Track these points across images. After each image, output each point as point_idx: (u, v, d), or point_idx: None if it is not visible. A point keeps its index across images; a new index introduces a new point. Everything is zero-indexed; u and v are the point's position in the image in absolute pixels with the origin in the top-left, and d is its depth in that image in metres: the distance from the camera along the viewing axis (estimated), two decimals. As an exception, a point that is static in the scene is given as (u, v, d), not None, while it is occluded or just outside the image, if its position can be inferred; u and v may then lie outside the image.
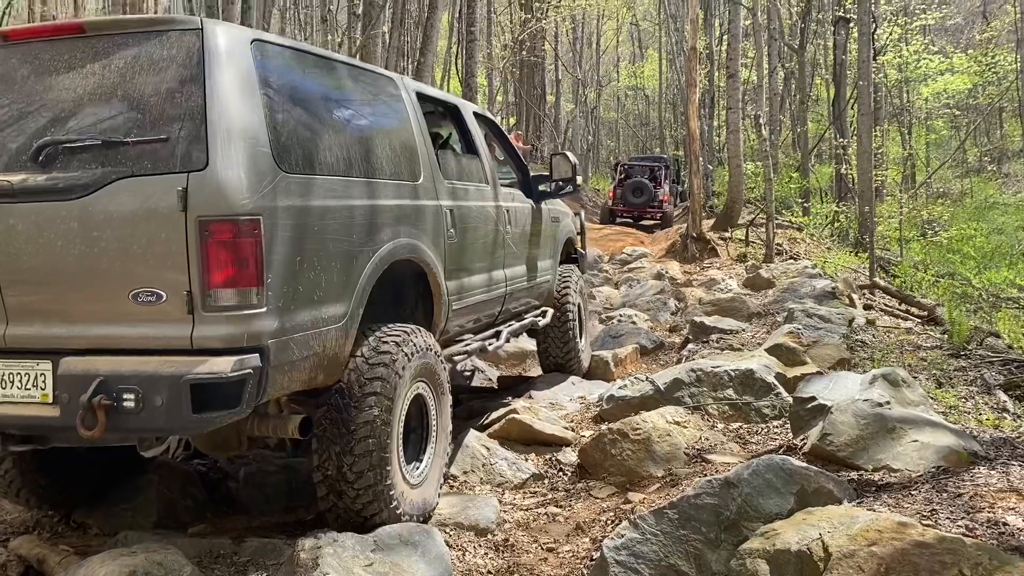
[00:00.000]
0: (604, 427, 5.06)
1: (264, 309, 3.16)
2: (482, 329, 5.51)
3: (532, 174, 6.65)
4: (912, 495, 3.25)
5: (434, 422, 4.22)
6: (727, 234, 17.92)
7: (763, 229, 16.21)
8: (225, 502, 4.70)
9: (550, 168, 6.60)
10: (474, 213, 5.18)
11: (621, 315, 9.90)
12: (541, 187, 6.61)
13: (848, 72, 25.52)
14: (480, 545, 3.86)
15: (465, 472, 4.90)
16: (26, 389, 3.25)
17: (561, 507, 4.39)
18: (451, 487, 4.79)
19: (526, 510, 4.38)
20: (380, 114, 4.49)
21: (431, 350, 4.11)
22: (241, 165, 3.17)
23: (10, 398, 3.24)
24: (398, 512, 3.73)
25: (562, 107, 40.11)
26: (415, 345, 3.93)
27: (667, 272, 13.86)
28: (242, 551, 3.60)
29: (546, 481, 4.87)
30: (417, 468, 4.05)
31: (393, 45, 18.89)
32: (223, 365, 3.01)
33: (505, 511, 4.32)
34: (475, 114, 5.98)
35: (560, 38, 39.20)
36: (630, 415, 5.10)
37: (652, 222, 24.31)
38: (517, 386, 6.96)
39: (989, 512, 2.96)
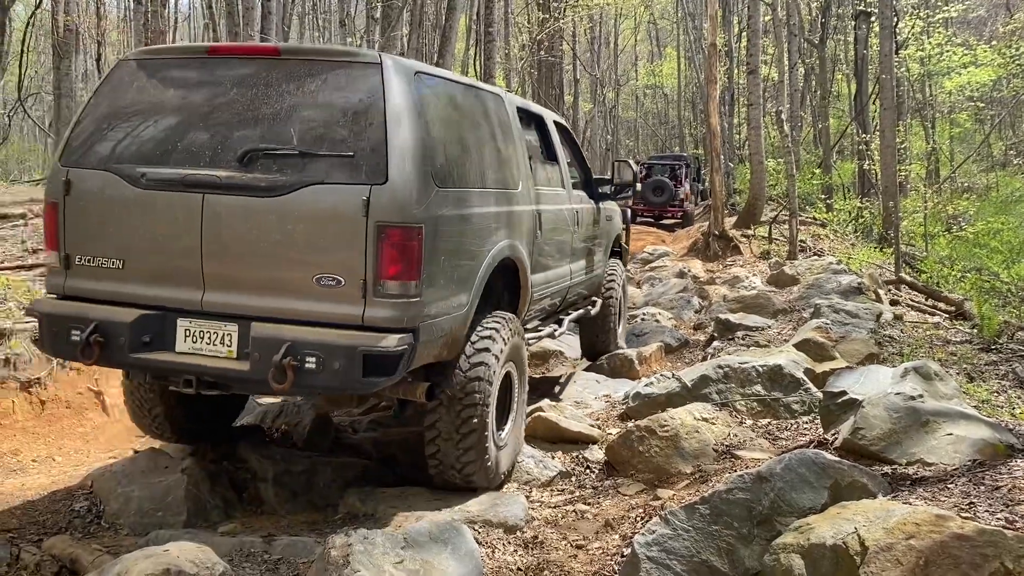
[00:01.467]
0: (631, 424, 5.04)
1: (419, 298, 3.87)
2: (547, 317, 6.19)
3: (594, 176, 7.29)
4: (948, 488, 3.20)
5: (516, 395, 4.89)
6: (749, 231, 17.78)
7: (786, 226, 16.08)
8: (254, 502, 4.72)
9: (612, 172, 7.32)
10: (555, 215, 5.85)
11: (644, 314, 9.84)
12: (601, 189, 7.30)
13: (869, 67, 25.28)
14: (509, 542, 3.85)
15: (492, 470, 4.89)
16: (215, 345, 3.99)
17: (589, 504, 4.36)
18: (478, 485, 4.79)
19: (554, 507, 4.36)
20: (492, 130, 5.05)
21: (519, 335, 4.79)
22: (412, 182, 3.85)
23: (201, 351, 4.00)
24: (489, 469, 4.41)
25: (580, 107, 40.03)
26: (510, 331, 4.59)
27: (689, 270, 13.78)
28: (272, 549, 3.61)
29: (573, 479, 4.84)
30: (502, 433, 4.67)
31: (412, 47, 18.93)
32: (390, 341, 3.73)
33: (533, 508, 4.31)
34: (554, 122, 6.61)
35: (578, 38, 39.11)
36: (657, 412, 5.07)
37: (673, 221, 24.21)
38: (541, 385, 6.95)
39: (1029, 505, 2.91)
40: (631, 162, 7.40)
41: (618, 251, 8.16)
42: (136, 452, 5.69)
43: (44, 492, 4.89)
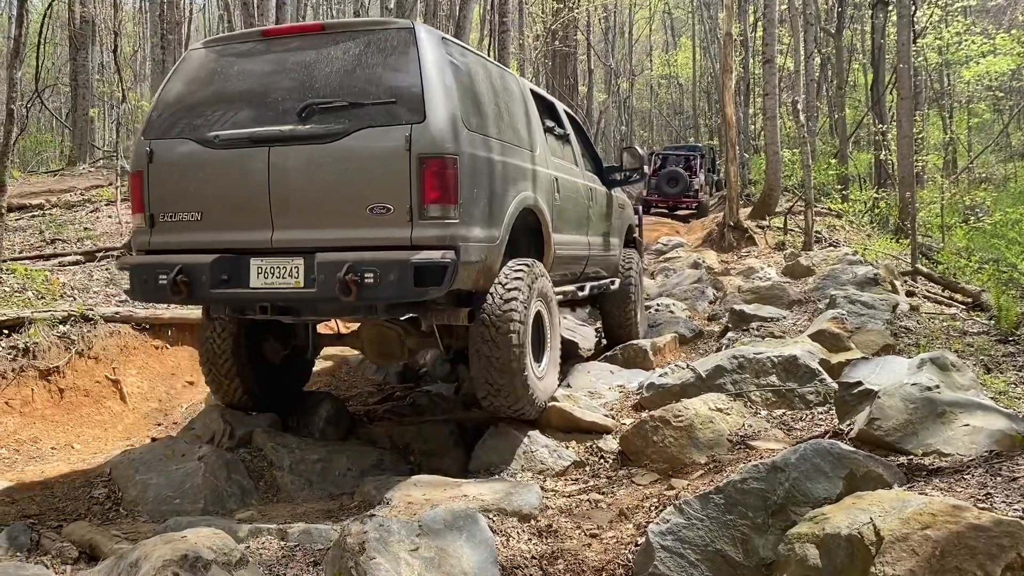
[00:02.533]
0: (645, 415, 5.03)
1: (457, 221, 4.46)
2: (570, 282, 6.70)
3: (605, 165, 7.83)
4: (965, 479, 3.18)
5: (548, 332, 5.49)
6: (764, 222, 17.68)
7: (801, 217, 15.99)
8: (270, 489, 4.76)
9: (620, 160, 7.87)
10: (571, 184, 6.45)
11: (659, 304, 9.81)
12: (612, 177, 7.82)
13: (886, 56, 25.03)
14: (523, 531, 3.86)
15: (506, 459, 4.91)
16: (284, 278, 4.57)
17: (603, 494, 4.37)
18: (492, 473, 4.80)
19: (568, 497, 4.36)
20: (511, 99, 5.69)
21: (545, 276, 5.37)
22: (445, 121, 4.47)
23: (272, 285, 4.58)
24: (532, 398, 5.03)
25: (595, 97, 39.86)
26: (537, 271, 5.21)
27: (704, 261, 13.73)
28: (289, 536, 3.64)
29: (587, 468, 4.85)
30: (539, 365, 5.31)
31: (426, 38, 18.91)
32: (436, 255, 4.34)
33: (547, 498, 4.32)
34: (565, 111, 7.24)
35: (592, 28, 38.94)
36: (671, 403, 5.06)
37: (687, 212, 24.10)
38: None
39: (1047, 496, 2.89)
40: (636, 147, 7.94)
41: (633, 243, 8.65)
42: (153, 440, 5.75)
43: (63, 479, 4.95)
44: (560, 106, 7.16)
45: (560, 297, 6.12)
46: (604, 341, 8.35)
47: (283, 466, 4.86)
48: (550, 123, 6.65)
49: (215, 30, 38.49)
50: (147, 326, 7.59)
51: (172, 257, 4.72)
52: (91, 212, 11.80)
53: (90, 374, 6.83)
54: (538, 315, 5.28)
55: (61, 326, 6.85)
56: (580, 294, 6.75)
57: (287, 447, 5.00)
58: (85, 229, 10.33)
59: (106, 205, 12.18)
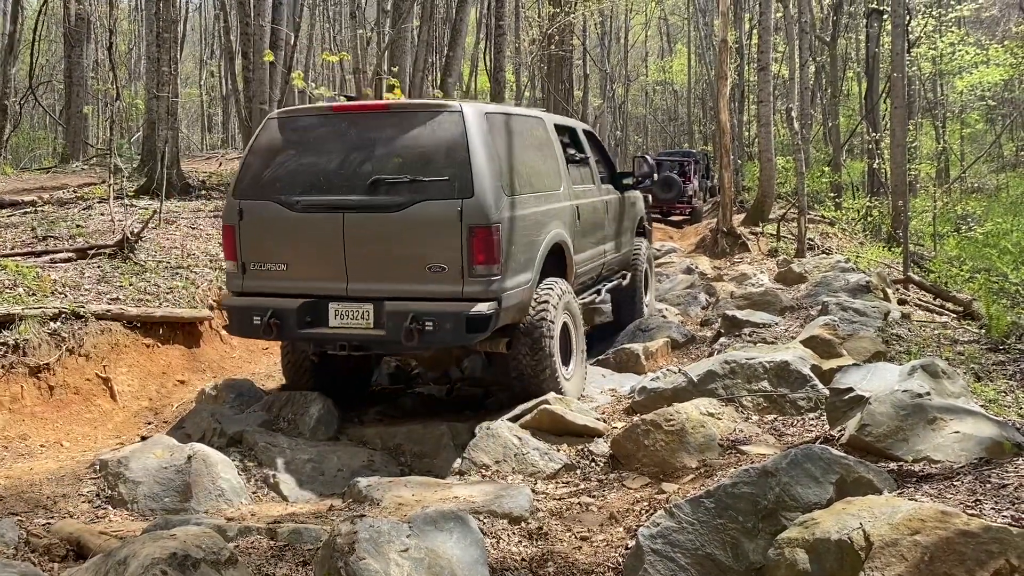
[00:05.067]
0: (637, 418, 5.04)
1: (499, 277, 5.41)
2: (589, 287, 7.64)
3: (618, 171, 8.83)
4: (955, 485, 3.19)
5: (575, 342, 6.41)
6: (758, 229, 17.71)
7: (794, 224, 16.02)
8: (260, 489, 4.74)
9: (633, 166, 9.30)
10: (590, 207, 7.38)
11: (652, 309, 9.82)
12: (625, 181, 8.76)
13: (881, 65, 25.14)
14: (514, 533, 3.86)
15: (497, 461, 4.91)
16: (356, 320, 5.56)
17: (594, 497, 4.37)
18: (483, 476, 4.80)
19: (559, 499, 4.36)
20: (539, 145, 6.61)
21: (569, 293, 6.30)
22: (490, 195, 5.38)
23: (347, 325, 5.57)
24: (566, 394, 5.81)
25: (590, 102, 39.90)
26: (560, 290, 6.13)
27: (697, 267, 13.75)
28: (278, 536, 3.63)
29: (578, 471, 4.85)
30: (567, 369, 6.19)
31: (423, 40, 18.91)
32: (483, 307, 5.29)
33: (538, 500, 4.31)
34: (584, 131, 8.20)
35: (588, 32, 38.99)
36: (662, 407, 5.06)
37: (681, 217, 24.14)
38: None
39: (1035, 503, 2.90)
40: (648, 157, 9.32)
41: (642, 231, 9.65)
42: (144, 438, 5.72)
43: (52, 476, 4.92)
44: (579, 127, 8.16)
45: (581, 306, 6.86)
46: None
47: (274, 466, 4.85)
48: (571, 151, 7.45)
49: (211, 29, 38.43)
50: (138, 324, 7.55)
51: (263, 300, 5.70)
52: (84, 209, 11.75)
53: (80, 371, 6.80)
54: (564, 326, 6.16)
55: (52, 323, 6.82)
56: (598, 299, 7.83)
57: (278, 447, 4.99)
58: (77, 226, 10.28)
59: (99, 202, 12.13)
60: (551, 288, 6.02)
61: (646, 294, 9.26)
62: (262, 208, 5.74)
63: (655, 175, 9.49)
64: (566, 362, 6.19)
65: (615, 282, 8.38)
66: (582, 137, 7.95)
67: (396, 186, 5.46)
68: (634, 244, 9.16)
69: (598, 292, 7.75)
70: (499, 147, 5.69)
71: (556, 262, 6.42)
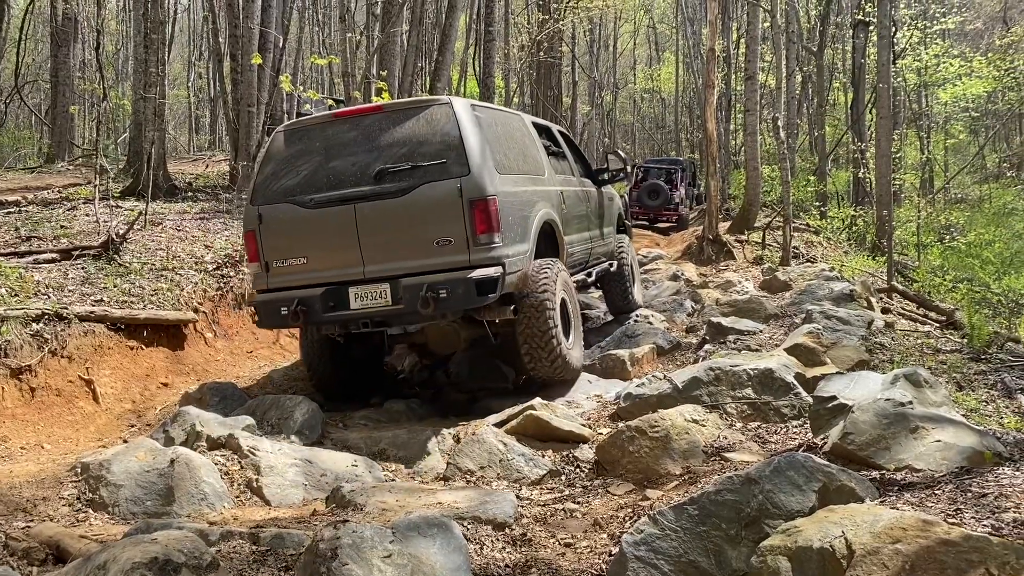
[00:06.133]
0: (622, 424, 5.04)
1: (501, 244, 5.99)
2: (579, 270, 8.17)
3: (594, 168, 9.45)
4: (936, 494, 3.21)
5: (572, 314, 6.88)
6: (743, 237, 17.80)
7: (780, 232, 16.11)
8: (243, 493, 4.71)
9: (606, 162, 9.41)
10: (572, 193, 8.04)
11: (637, 315, 9.83)
12: (601, 176, 9.37)
13: (866, 76, 25.35)
14: (498, 539, 3.85)
15: (482, 467, 4.91)
16: (375, 299, 6.09)
17: (578, 503, 4.37)
18: (468, 481, 4.79)
19: (543, 505, 4.36)
20: (521, 136, 7.23)
21: (564, 271, 6.88)
22: (484, 172, 5.97)
23: (368, 306, 6.11)
24: (566, 365, 6.49)
25: (579, 109, 40.02)
26: (557, 267, 6.64)
27: (683, 274, 13.79)
28: (261, 540, 3.60)
29: (563, 477, 4.85)
30: (568, 340, 6.69)
31: (412, 44, 18.90)
32: (490, 271, 5.87)
33: (522, 506, 4.31)
34: (558, 130, 8.91)
35: (577, 40, 39.13)
36: (647, 413, 5.07)
37: (668, 224, 24.22)
38: (532, 385, 6.96)
39: (1015, 512, 2.93)
40: (619, 151, 9.55)
41: (623, 229, 10.28)
42: (125, 441, 5.68)
43: (32, 479, 4.86)
44: (554, 128, 8.81)
45: (575, 284, 7.43)
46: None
47: (257, 470, 4.82)
48: (548, 144, 8.02)
49: (199, 31, 38.28)
50: (122, 326, 7.51)
51: (288, 293, 6.24)
52: (68, 210, 11.66)
53: (63, 373, 6.74)
54: (563, 302, 6.65)
55: (34, 324, 6.76)
56: (589, 280, 8.46)
57: (261, 451, 4.96)
58: (62, 227, 10.21)
59: (84, 203, 12.04)
60: (549, 265, 6.53)
61: (633, 287, 9.79)
62: (279, 210, 6.28)
63: (629, 167, 9.64)
64: (567, 334, 6.67)
65: (603, 267, 8.97)
66: (557, 135, 8.67)
67: (399, 173, 6.02)
68: (618, 239, 9.80)
69: (589, 275, 8.36)
70: (487, 133, 6.26)
71: (549, 244, 7.00)
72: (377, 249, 6.07)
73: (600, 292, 10.06)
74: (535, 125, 7.95)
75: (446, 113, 6.08)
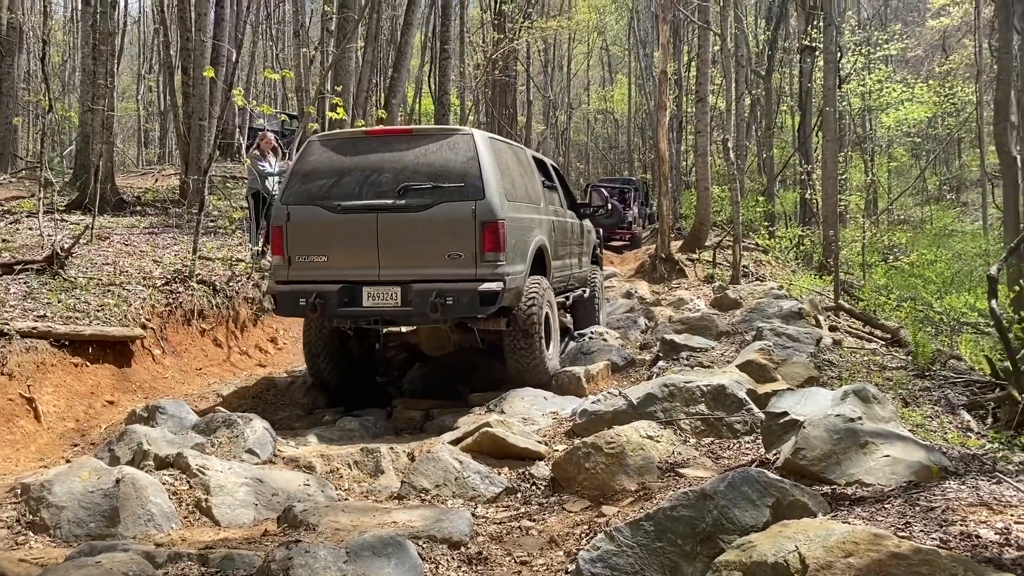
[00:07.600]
0: (578, 441, 5.04)
1: (504, 262, 6.71)
2: (561, 293, 8.84)
3: (578, 201, 10.37)
4: (886, 508, 3.27)
5: (553, 327, 7.71)
6: (695, 255, 18.06)
7: (730, 251, 16.37)
8: (191, 513, 4.60)
9: (589, 197, 11.31)
10: (561, 224, 8.95)
11: (592, 332, 9.88)
12: (583, 210, 10.30)
13: (813, 100, 25.97)
14: (453, 558, 3.82)
15: (437, 485, 4.86)
16: (387, 300, 6.79)
17: (535, 521, 4.35)
18: (423, 500, 4.75)
19: (499, 523, 4.34)
20: (525, 168, 8.05)
21: (550, 290, 7.67)
22: (496, 198, 6.70)
23: (378, 305, 6.81)
24: (547, 370, 7.37)
25: (533, 128, 40.25)
26: (543, 286, 7.46)
27: (636, 291, 13.92)
28: (210, 562, 3.52)
29: (519, 495, 4.83)
30: (549, 351, 7.49)
31: (367, 60, 18.86)
32: (492, 285, 6.59)
33: (478, 524, 4.28)
34: (551, 165, 9.71)
35: (532, 59, 39.42)
36: (603, 429, 5.08)
37: (621, 243, 24.45)
38: (488, 400, 6.94)
39: (962, 525, 2.99)
40: (602, 190, 10.67)
41: (596, 259, 11.31)
42: (68, 461, 5.51)
43: (-31, 501, 4.68)
44: (548, 162, 9.69)
45: (557, 304, 8.17)
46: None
47: (206, 489, 4.70)
48: (543, 178, 8.79)
49: (151, 44, 37.69)
50: (66, 343, 7.30)
51: (307, 286, 6.85)
52: (11, 223, 11.34)
53: (2, 391, 6.53)
54: (546, 316, 7.39)
55: (-27, 341, 6.54)
56: (567, 303, 9.33)
57: (211, 470, 4.85)
58: (3, 240, 9.93)
59: (27, 216, 11.73)
60: (538, 283, 7.34)
61: (600, 312, 10.71)
62: (306, 211, 6.92)
63: (609, 205, 11.04)
64: (547, 345, 7.45)
65: (578, 293, 9.80)
66: (550, 169, 9.54)
67: (421, 191, 6.72)
68: (591, 268, 10.76)
69: (567, 297, 9.27)
70: (500, 164, 7.01)
71: (538, 265, 7.72)
72: (393, 255, 6.74)
73: (569, 316, 10.38)
74: (535, 159, 8.80)
75: (467, 142, 6.82)
